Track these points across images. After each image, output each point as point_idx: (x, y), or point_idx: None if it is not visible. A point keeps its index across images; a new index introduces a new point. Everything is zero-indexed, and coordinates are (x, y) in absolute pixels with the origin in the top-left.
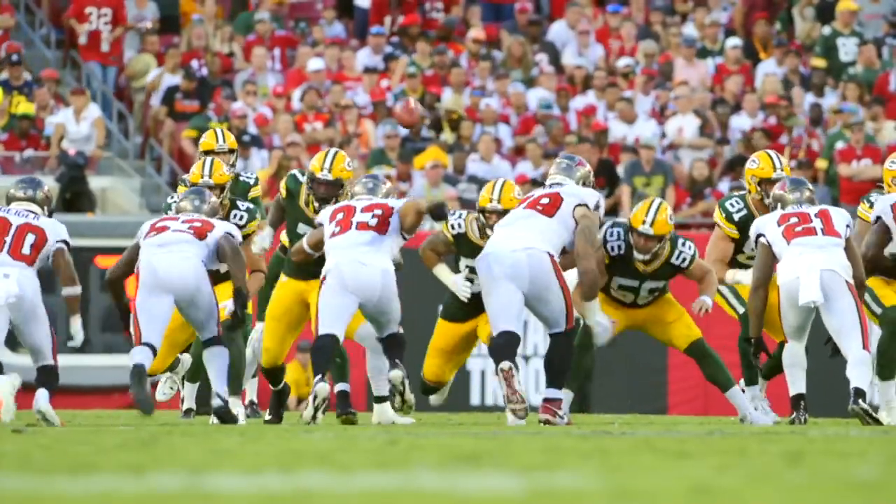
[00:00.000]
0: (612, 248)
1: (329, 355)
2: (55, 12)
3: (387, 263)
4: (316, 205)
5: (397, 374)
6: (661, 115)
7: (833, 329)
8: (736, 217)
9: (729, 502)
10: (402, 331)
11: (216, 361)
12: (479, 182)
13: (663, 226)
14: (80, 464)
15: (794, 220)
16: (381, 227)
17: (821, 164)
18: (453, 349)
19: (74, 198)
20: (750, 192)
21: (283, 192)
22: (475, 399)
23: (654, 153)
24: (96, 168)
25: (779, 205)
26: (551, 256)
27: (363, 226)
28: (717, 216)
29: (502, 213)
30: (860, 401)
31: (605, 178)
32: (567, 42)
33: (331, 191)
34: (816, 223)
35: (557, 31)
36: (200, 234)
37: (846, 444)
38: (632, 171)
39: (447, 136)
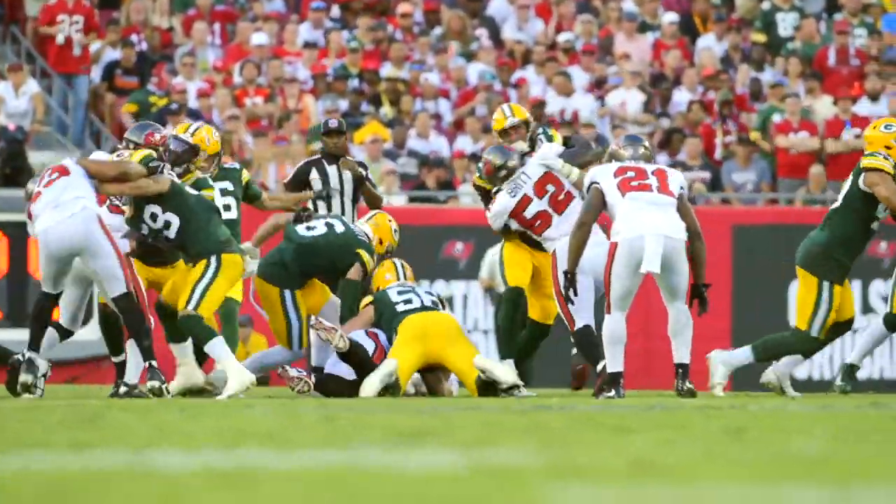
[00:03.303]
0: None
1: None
2: None
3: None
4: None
5: None
6: (598, 88)
7: (668, 290)
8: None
9: (671, 477)
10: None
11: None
12: (419, 156)
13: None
14: (21, 441)
15: (630, 173)
16: None
17: (753, 135)
18: None
19: (14, 173)
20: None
21: None
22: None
23: (594, 131)
24: (35, 143)
25: (613, 160)
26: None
27: None
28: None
29: None
30: (682, 381)
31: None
32: (507, 17)
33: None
34: (652, 180)
35: (497, 5)
36: (63, 171)
37: (787, 420)
38: None
39: (387, 110)
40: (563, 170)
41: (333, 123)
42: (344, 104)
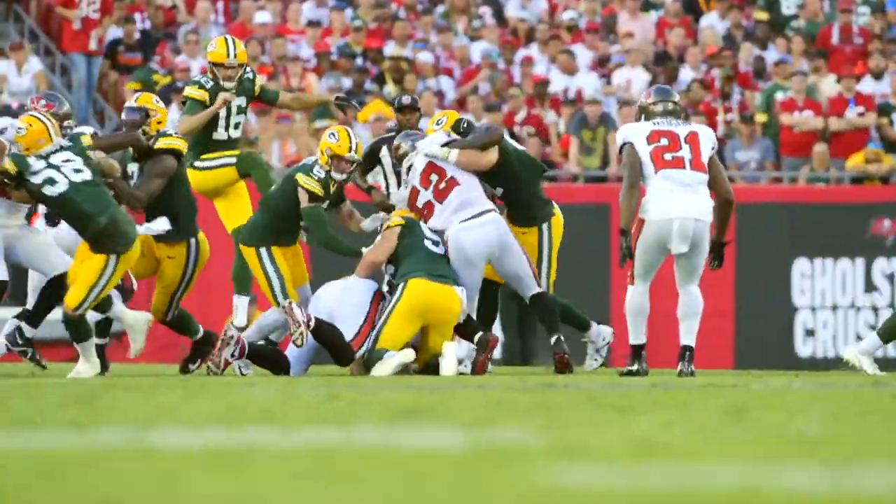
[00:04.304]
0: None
1: None
2: None
3: None
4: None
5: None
6: (602, 67)
7: (687, 270)
8: None
9: (671, 456)
10: None
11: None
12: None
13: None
14: (20, 420)
15: (664, 141)
16: None
17: (760, 117)
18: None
19: None
20: None
21: None
22: None
23: (600, 108)
24: None
25: (643, 116)
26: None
27: None
28: None
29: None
30: (686, 363)
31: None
32: None
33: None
34: (685, 151)
35: None
36: None
37: (789, 399)
38: (579, 124)
39: (391, 89)
40: (441, 154)
41: (406, 100)
42: (347, 83)
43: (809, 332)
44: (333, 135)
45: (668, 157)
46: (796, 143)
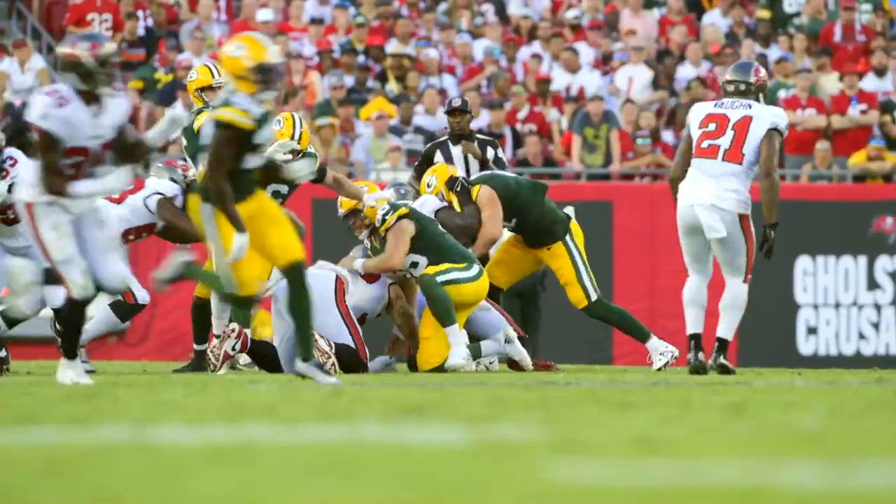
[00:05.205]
0: None
1: None
2: None
3: None
4: None
5: None
6: (604, 64)
7: (720, 261)
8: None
9: (671, 453)
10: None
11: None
12: (425, 133)
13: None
14: (22, 415)
15: (711, 126)
16: None
17: None
18: None
19: (21, 148)
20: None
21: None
22: None
23: (602, 105)
24: None
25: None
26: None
27: None
28: None
29: None
30: (721, 357)
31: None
32: None
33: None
34: (726, 139)
35: None
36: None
37: (790, 395)
38: (582, 122)
39: (393, 86)
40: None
41: (456, 102)
42: (350, 80)
43: (812, 330)
44: (279, 121)
45: (705, 144)
46: (799, 141)
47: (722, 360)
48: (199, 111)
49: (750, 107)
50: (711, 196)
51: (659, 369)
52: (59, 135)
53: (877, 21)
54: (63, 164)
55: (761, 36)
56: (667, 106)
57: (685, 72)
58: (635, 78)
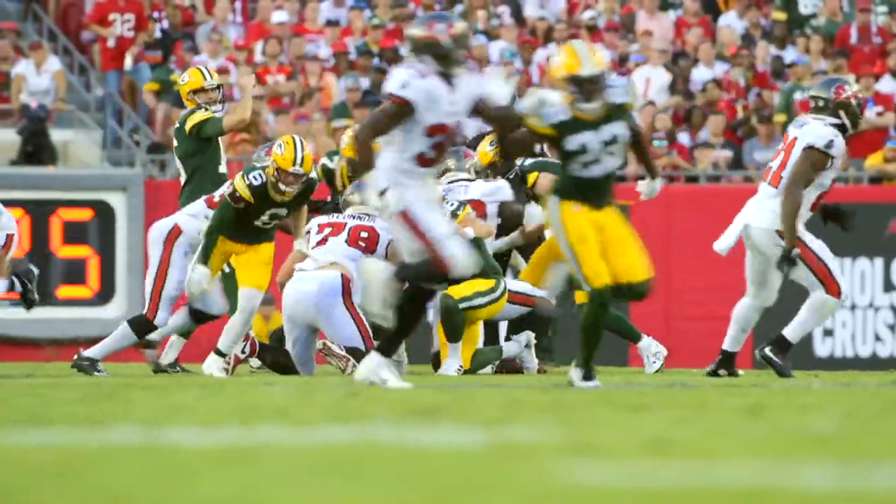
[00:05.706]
0: None
1: None
2: None
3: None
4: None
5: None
6: (621, 66)
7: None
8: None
9: (686, 456)
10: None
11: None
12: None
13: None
14: (36, 417)
15: (780, 146)
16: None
17: (779, 118)
18: None
19: (36, 150)
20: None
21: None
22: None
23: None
24: (57, 121)
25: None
26: None
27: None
28: None
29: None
30: (768, 350)
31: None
32: None
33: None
34: (776, 161)
35: None
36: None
37: (806, 398)
38: None
39: None
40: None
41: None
42: (365, 82)
43: (828, 332)
44: (280, 146)
45: (767, 166)
46: None
47: (767, 352)
48: (191, 112)
49: (804, 125)
50: (747, 216)
51: (655, 372)
52: (416, 104)
53: (893, 23)
54: (426, 147)
55: (777, 38)
56: (682, 108)
57: (699, 74)
58: (652, 79)
